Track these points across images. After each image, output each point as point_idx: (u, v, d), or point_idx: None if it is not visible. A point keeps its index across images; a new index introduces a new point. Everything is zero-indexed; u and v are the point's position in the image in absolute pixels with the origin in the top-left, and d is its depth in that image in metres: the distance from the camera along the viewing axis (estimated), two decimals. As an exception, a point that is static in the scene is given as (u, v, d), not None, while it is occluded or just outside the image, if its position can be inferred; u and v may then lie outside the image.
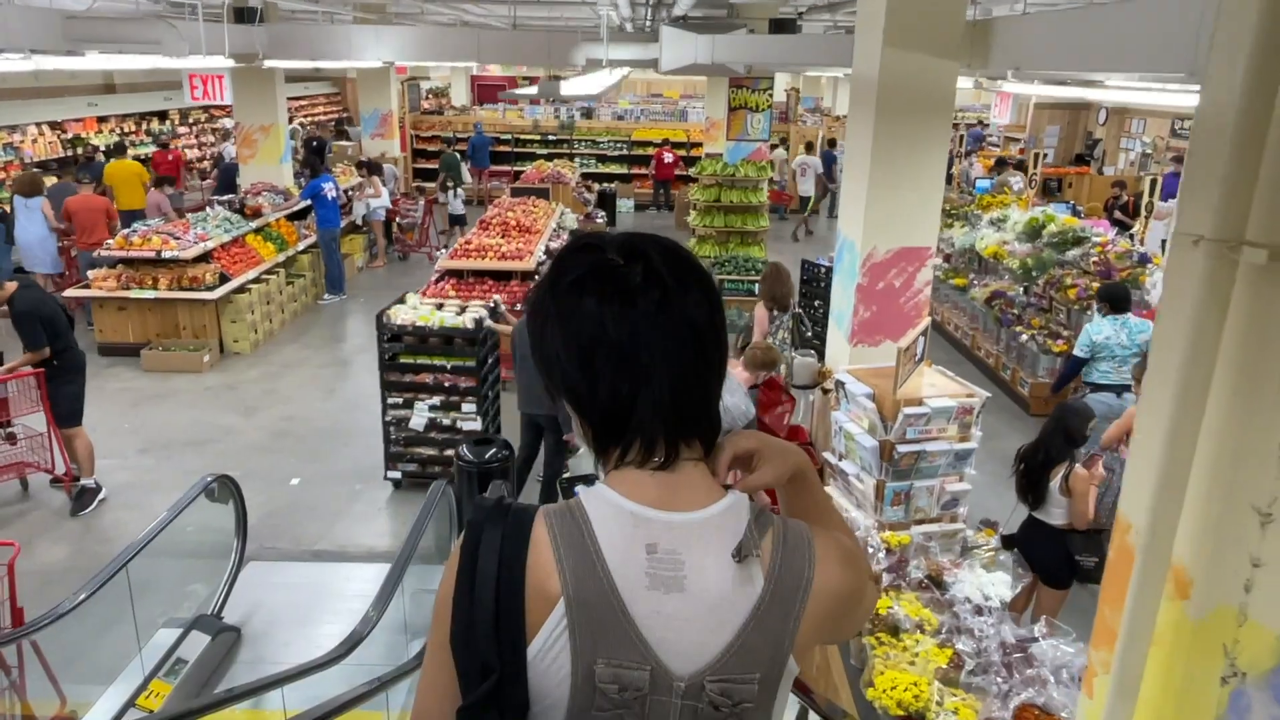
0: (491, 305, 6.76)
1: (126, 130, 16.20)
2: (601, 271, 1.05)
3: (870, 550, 3.74)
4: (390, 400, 6.60)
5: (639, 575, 1.01)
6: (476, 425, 6.54)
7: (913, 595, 3.55)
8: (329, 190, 11.33)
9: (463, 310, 6.93)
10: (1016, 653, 3.21)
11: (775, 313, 6.56)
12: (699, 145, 18.10)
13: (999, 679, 3.09)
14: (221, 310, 9.59)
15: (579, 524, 1.04)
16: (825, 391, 5.53)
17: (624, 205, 18.33)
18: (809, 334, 7.07)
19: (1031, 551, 4.40)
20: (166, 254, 9.29)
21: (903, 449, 4.31)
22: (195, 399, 8.51)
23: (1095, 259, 8.53)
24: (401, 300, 7.15)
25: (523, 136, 19.77)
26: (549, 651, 1.01)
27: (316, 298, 11.81)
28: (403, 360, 6.62)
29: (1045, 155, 12.57)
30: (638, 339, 1.02)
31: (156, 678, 4.29)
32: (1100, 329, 6.20)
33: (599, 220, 14.27)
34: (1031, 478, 4.64)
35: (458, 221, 14.70)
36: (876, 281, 5.12)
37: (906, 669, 3.08)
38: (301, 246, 11.68)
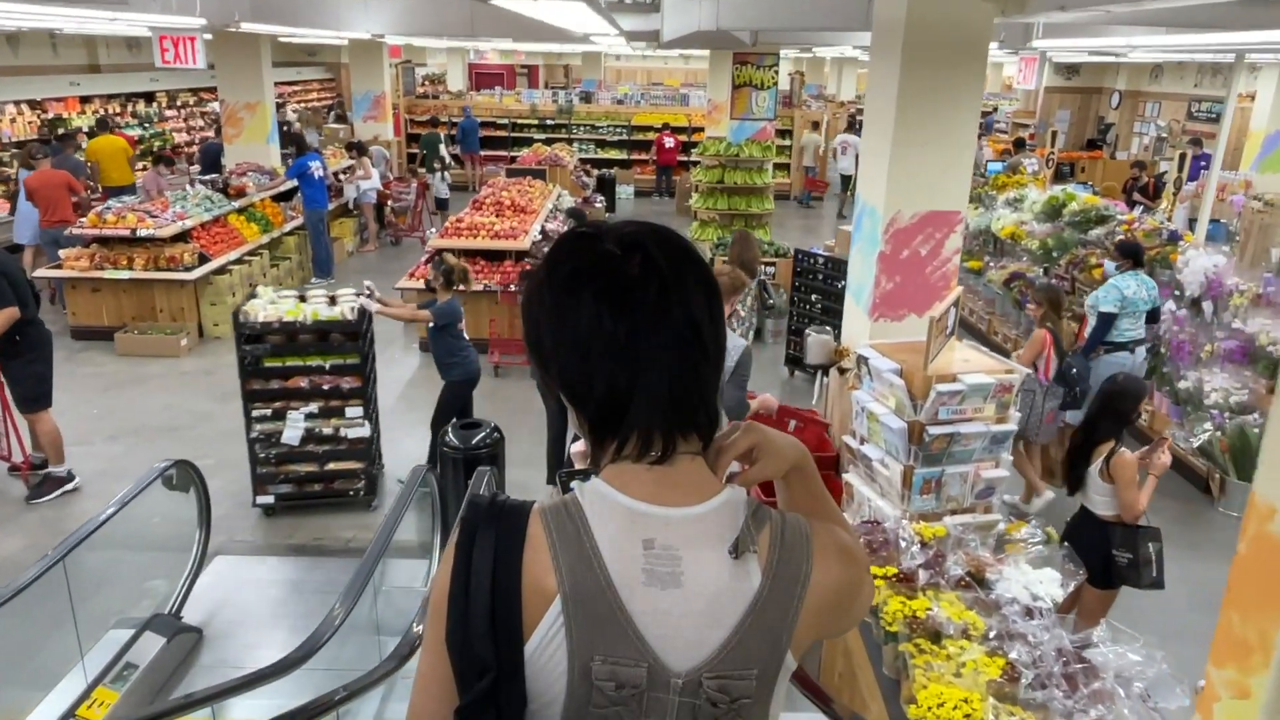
0: (367, 291, 5.68)
1: (112, 112, 15.70)
2: (599, 263, 1.01)
3: (902, 544, 3.29)
4: (256, 413, 5.59)
5: (636, 571, 0.99)
6: (365, 432, 5.71)
7: (953, 595, 3.10)
8: (316, 169, 10.86)
9: (334, 301, 5.87)
10: (1078, 662, 2.77)
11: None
12: (701, 130, 17.61)
13: (1060, 693, 2.65)
14: (201, 292, 9.14)
15: (575, 520, 1.01)
16: (842, 371, 5.08)
17: (624, 191, 17.85)
18: (771, 302, 6.92)
19: (1077, 544, 3.95)
20: (142, 232, 8.83)
21: (934, 430, 3.86)
22: (170, 384, 8.06)
23: (1121, 237, 8.06)
24: (253, 294, 5.96)
25: (520, 121, 19.29)
26: (546, 649, 0.99)
27: (303, 281, 11.36)
28: (268, 365, 5.59)
29: (1056, 138, 12.10)
30: (636, 333, 0.99)
31: (102, 684, 3.84)
32: (1126, 283, 6.21)
33: (598, 205, 13.81)
34: (1073, 458, 4.20)
35: (442, 206, 14.27)
36: (900, 249, 4.67)
37: (953, 681, 2.63)
38: (288, 228, 11.23)
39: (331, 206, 12.72)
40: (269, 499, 5.80)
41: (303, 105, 21.92)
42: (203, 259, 9.12)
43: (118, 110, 15.85)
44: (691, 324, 1.01)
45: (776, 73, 11.93)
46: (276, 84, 21.55)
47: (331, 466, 5.81)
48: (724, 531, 1.02)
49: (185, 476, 4.68)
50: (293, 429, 5.60)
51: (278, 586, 5.06)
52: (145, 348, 8.68)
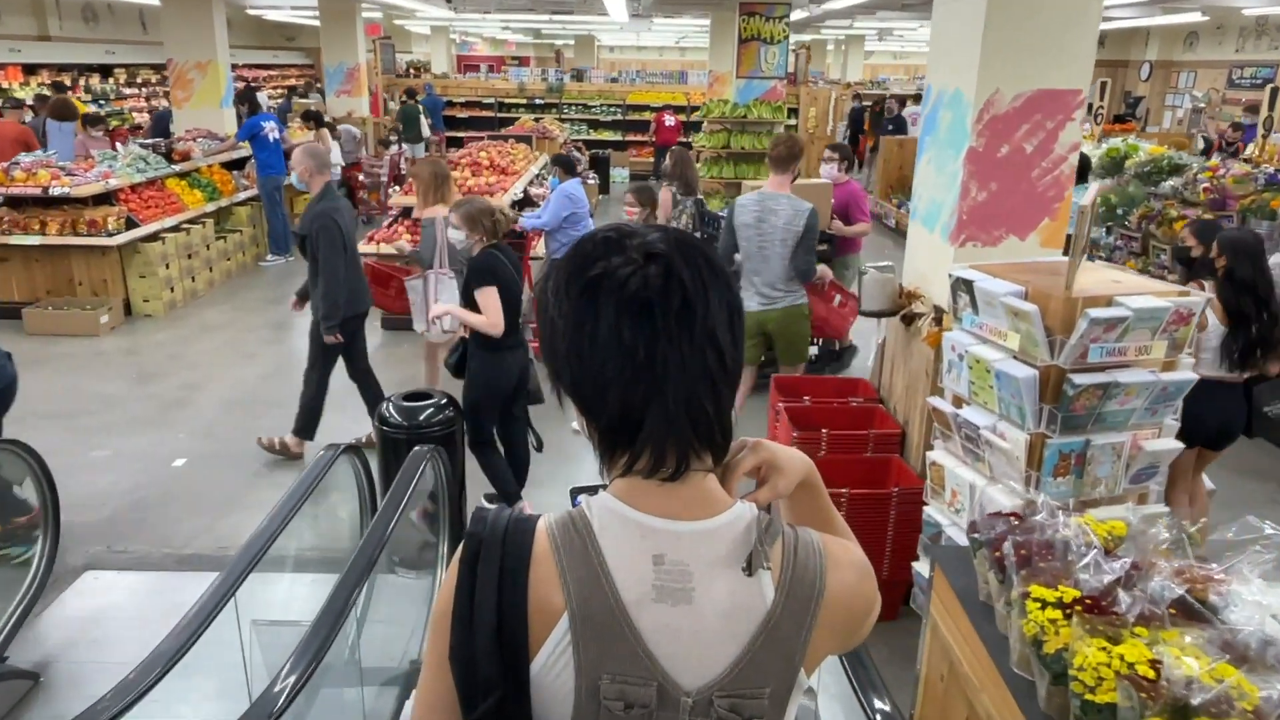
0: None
1: (64, 86, 14.43)
2: (621, 272, 0.93)
3: (1073, 548, 2.02)
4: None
5: (645, 588, 0.94)
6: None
7: (1175, 633, 1.83)
8: (269, 130, 9.60)
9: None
10: None
11: (679, 196, 6.75)
12: (699, 109, 16.40)
13: None
14: (127, 263, 7.86)
15: (582, 535, 0.96)
16: (907, 321, 3.82)
17: (619, 175, 16.59)
18: (709, 224, 6.55)
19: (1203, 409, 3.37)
20: (56, 190, 7.55)
21: (1080, 380, 2.60)
22: (79, 364, 6.77)
23: (1205, 185, 6.84)
24: None
25: (507, 100, 18.06)
26: (552, 668, 0.94)
27: (257, 258, 10.08)
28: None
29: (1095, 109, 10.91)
30: (654, 350, 0.92)
31: None
32: None
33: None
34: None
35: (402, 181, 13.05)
36: (998, 144, 3.41)
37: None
38: (240, 198, 9.94)
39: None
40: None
41: (281, 91, 20.64)
42: (131, 224, 7.84)
43: (69, 85, 14.58)
44: (713, 342, 0.94)
45: (788, 25, 10.71)
46: (252, 66, 20.54)
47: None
48: (735, 547, 0.97)
49: (15, 464, 3.40)
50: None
51: (156, 613, 3.77)
52: (59, 325, 7.39)
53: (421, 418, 3.90)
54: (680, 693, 0.94)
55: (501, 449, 4.47)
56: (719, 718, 0.95)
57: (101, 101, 15.06)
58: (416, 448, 3.20)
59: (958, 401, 3.05)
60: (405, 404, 3.94)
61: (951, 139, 3.55)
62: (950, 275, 2.97)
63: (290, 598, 3.40)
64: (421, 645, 3.45)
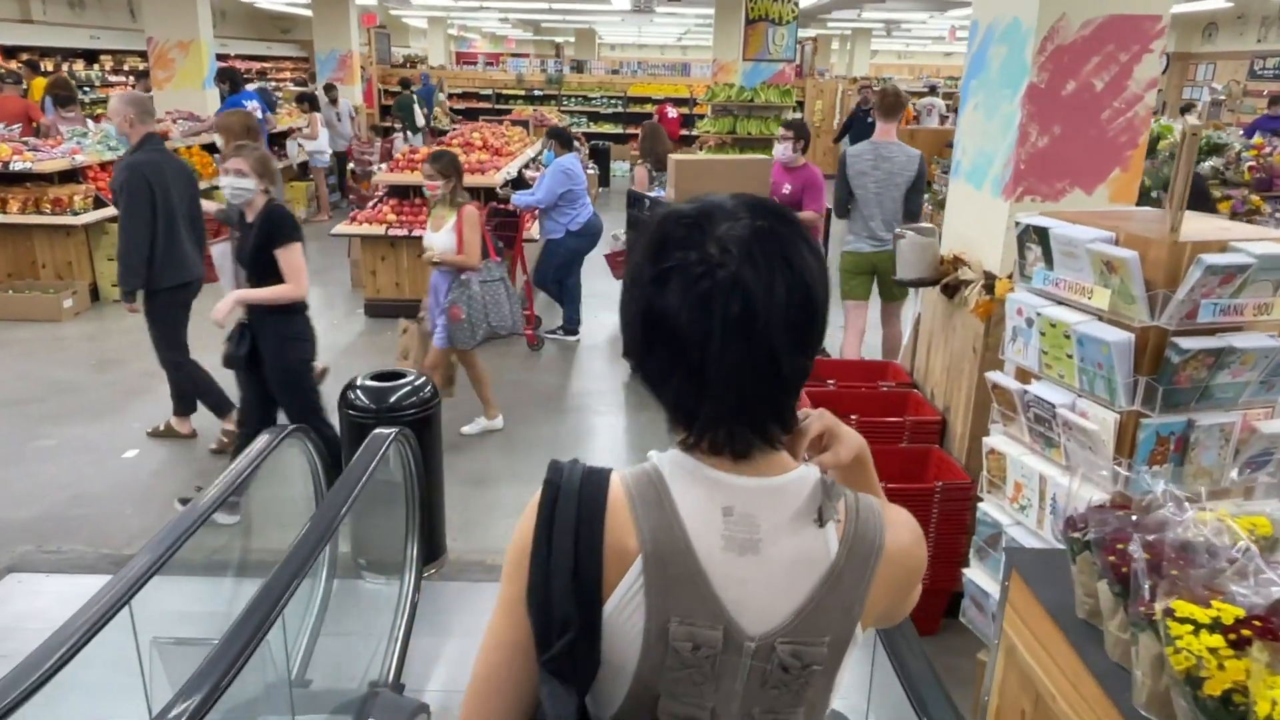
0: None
1: (46, 71, 13.95)
2: (691, 271, 0.93)
3: (1219, 552, 1.53)
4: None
5: (715, 537, 0.98)
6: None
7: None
8: (252, 110, 9.10)
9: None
10: None
11: (654, 172, 6.65)
12: (703, 103, 15.93)
13: None
14: (95, 244, 7.37)
15: (655, 485, 1.00)
16: (949, 292, 3.32)
17: (619, 168, 16.09)
18: (634, 204, 6.23)
19: None
20: (18, 166, 7.06)
21: (1187, 345, 2.11)
22: (36, 350, 6.27)
23: (1251, 164, 6.36)
24: None
25: (505, 92, 17.58)
26: (624, 610, 0.97)
27: (239, 245, 9.57)
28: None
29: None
30: (707, 350, 0.93)
31: None
32: None
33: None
34: None
35: None
36: (1063, 80, 2.92)
37: None
38: (221, 181, 9.43)
39: (281, 165, 11.01)
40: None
41: (276, 85, 20.16)
42: (100, 204, 7.35)
43: (51, 70, 14.09)
44: (769, 348, 0.93)
45: (796, 5, 10.23)
46: (245, 57, 20.06)
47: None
48: (802, 503, 1.00)
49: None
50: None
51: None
52: (19, 310, 6.89)
53: (392, 399, 3.40)
54: (744, 638, 0.97)
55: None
56: (780, 663, 0.99)
57: (86, 89, 14.57)
58: (378, 430, 2.70)
59: (1023, 376, 2.56)
60: (373, 384, 3.44)
61: (1006, 76, 3.06)
62: (1016, 223, 2.48)
63: (209, 610, 2.90)
64: (388, 661, 2.95)
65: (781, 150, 5.56)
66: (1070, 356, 2.31)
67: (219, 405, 4.65)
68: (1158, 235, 2.15)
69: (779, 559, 0.98)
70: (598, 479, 1.00)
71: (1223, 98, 14.75)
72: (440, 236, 4.63)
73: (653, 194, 5.75)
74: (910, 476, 3.30)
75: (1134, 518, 1.65)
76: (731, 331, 0.92)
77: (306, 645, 2.82)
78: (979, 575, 2.73)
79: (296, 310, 3.74)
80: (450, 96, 17.25)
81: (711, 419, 0.97)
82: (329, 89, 12.62)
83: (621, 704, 1.00)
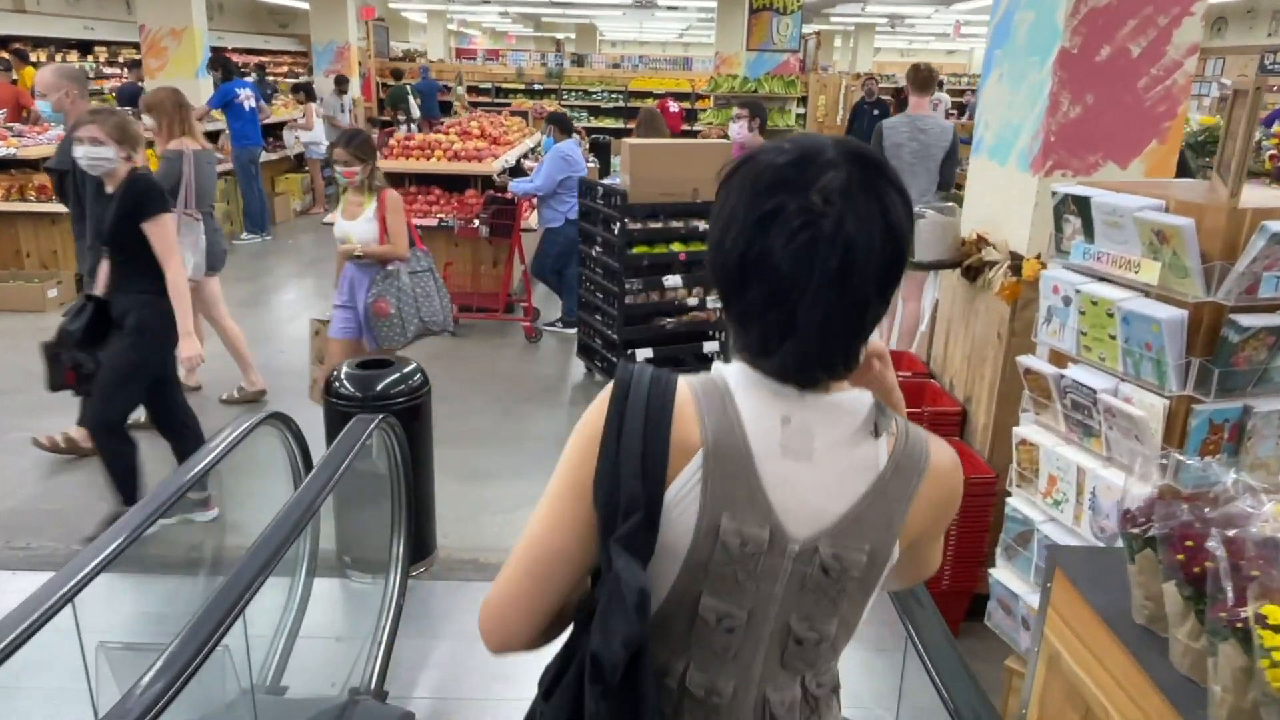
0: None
1: (36, 61, 13.75)
2: (791, 223, 0.95)
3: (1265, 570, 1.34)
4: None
5: (772, 442, 1.02)
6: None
7: None
8: (245, 99, 8.93)
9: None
10: None
11: None
12: (705, 98, 15.71)
13: None
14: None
15: (719, 389, 1.04)
16: (971, 275, 3.12)
17: (619, 163, 15.90)
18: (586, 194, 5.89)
19: None
20: (1, 151, 6.86)
21: (1247, 322, 1.91)
22: (18, 341, 6.07)
23: (1272, 153, 6.16)
24: None
25: (505, 85, 17.38)
26: (681, 501, 1.01)
27: (231, 237, 9.39)
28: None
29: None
30: (802, 301, 0.95)
31: None
32: None
33: (591, 165, 11.86)
34: None
35: None
36: (1097, 45, 2.73)
37: None
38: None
39: (276, 156, 10.82)
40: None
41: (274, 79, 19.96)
42: (86, 192, 7.14)
43: (43, 60, 13.89)
44: (861, 299, 0.97)
45: (802, -6, 10.05)
46: (243, 51, 19.85)
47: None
48: (855, 419, 1.04)
49: None
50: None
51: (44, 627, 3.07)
52: (1, 299, 6.69)
53: (379, 387, 3.21)
54: (789, 540, 1.02)
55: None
56: (821, 564, 1.03)
57: (80, 80, 14.38)
58: (360, 416, 2.50)
59: (1059, 360, 2.36)
60: (358, 371, 3.24)
61: (1035, 42, 2.86)
62: (1053, 193, 2.28)
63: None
64: (371, 666, 2.75)
65: (737, 130, 5.40)
66: (1113, 337, 2.12)
67: None
68: (1214, 201, 1.95)
69: (831, 466, 1.02)
70: (667, 379, 1.04)
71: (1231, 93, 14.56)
72: (358, 225, 4.10)
73: (605, 181, 5.45)
74: (929, 471, 3.10)
75: (1205, 510, 1.45)
76: (830, 282, 0.94)
77: (283, 649, 2.63)
78: (1007, 576, 2.54)
79: (165, 291, 3.40)
80: (446, 90, 17.04)
81: (790, 354, 0.99)
82: (339, 80, 12.47)
83: (667, 596, 1.03)
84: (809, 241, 0.93)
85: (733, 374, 1.05)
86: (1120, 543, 2.07)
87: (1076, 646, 1.71)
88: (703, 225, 5.15)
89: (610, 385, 1.05)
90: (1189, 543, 1.42)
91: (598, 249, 5.42)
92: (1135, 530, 1.54)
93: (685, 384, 1.04)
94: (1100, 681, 1.62)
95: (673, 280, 5.18)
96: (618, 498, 0.99)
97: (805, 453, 1.01)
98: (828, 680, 1.14)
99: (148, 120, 4.76)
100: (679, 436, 1.00)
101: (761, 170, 0.98)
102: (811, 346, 0.98)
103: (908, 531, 1.07)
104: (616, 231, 5.12)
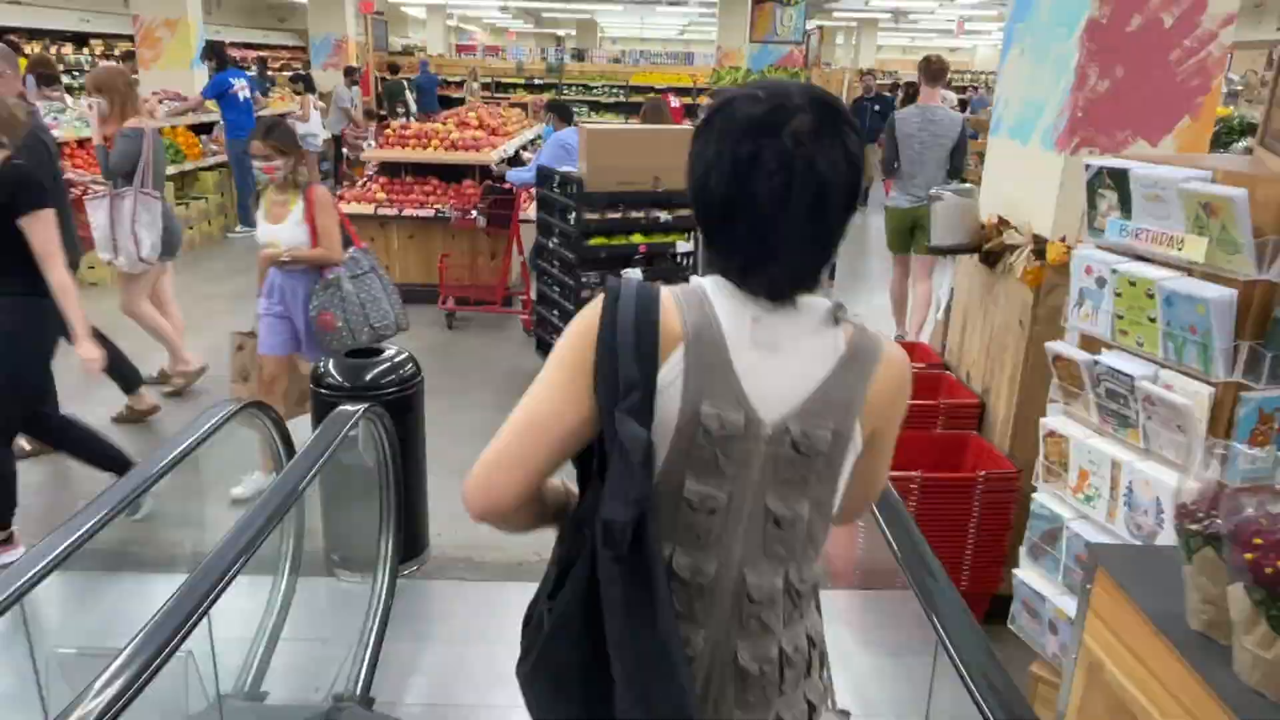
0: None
1: (33, 54, 13.59)
2: (769, 165, 1.07)
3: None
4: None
5: (744, 336, 1.12)
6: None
7: None
8: (239, 89, 8.77)
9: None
10: None
11: None
12: (706, 92, 15.55)
13: None
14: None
15: (697, 293, 1.14)
16: (991, 260, 2.97)
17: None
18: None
19: None
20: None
21: (1304, 302, 1.76)
22: (3, 333, 5.92)
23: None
24: None
25: (504, 80, 17.24)
26: (670, 384, 1.09)
27: (225, 229, 9.25)
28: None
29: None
30: (778, 231, 1.08)
31: None
32: None
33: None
34: None
35: None
36: (1128, 14, 2.58)
37: None
38: (208, 163, 9.12)
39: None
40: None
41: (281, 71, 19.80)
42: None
43: (37, 52, 13.73)
44: (828, 227, 1.11)
45: (806, -14, 9.90)
46: (240, 45, 19.69)
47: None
48: (816, 321, 1.15)
49: None
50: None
51: None
52: (-12, 292, 6.53)
53: (368, 377, 3.06)
54: (761, 425, 1.12)
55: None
56: (791, 443, 1.13)
57: (75, 73, 14.21)
58: (343, 406, 2.35)
59: (1090, 346, 2.21)
60: (346, 360, 3.09)
61: (1060, 13, 2.71)
62: (1087, 166, 2.13)
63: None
64: (356, 670, 2.60)
65: None
66: (1153, 320, 1.97)
67: (127, 379, 4.46)
68: (1266, 173, 1.80)
69: (796, 358, 1.13)
70: (650, 286, 1.14)
71: (1240, 88, 14.41)
72: (285, 229, 3.62)
73: (563, 169, 5.21)
74: (946, 465, 2.96)
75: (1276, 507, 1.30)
76: (804, 213, 1.07)
77: (263, 653, 2.48)
78: (1033, 577, 2.38)
79: (42, 291, 3.02)
80: (445, 84, 16.87)
81: (764, 281, 1.12)
82: (349, 72, 12.33)
83: (656, 481, 1.11)
84: (785, 181, 1.05)
85: (708, 283, 1.15)
86: (1162, 540, 1.93)
87: (1123, 655, 1.56)
88: (664, 216, 4.96)
89: (601, 294, 1.13)
90: (1258, 540, 1.27)
91: (555, 240, 5.18)
92: (1194, 526, 1.38)
93: (667, 289, 1.15)
94: (1151, 694, 1.47)
95: (633, 275, 4.98)
96: (616, 381, 1.07)
97: (773, 345, 1.12)
98: (810, 577, 1.22)
99: (99, 100, 4.56)
100: (665, 326, 1.10)
101: (739, 117, 1.08)
102: (788, 269, 1.12)
103: (866, 419, 1.17)
104: (573, 221, 4.89)
